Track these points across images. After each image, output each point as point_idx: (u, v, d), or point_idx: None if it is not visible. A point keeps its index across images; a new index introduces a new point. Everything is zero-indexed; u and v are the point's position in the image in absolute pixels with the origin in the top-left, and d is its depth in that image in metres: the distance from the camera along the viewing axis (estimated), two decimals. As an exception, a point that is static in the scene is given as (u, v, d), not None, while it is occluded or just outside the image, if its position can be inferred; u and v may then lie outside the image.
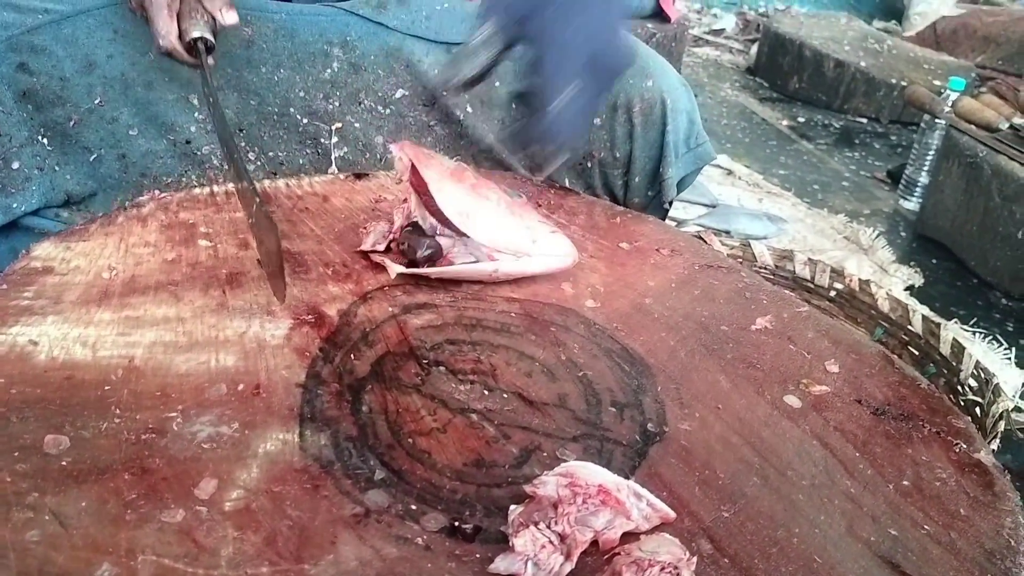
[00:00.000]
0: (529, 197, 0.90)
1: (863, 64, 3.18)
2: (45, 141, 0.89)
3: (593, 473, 0.51)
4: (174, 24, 0.83)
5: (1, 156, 0.86)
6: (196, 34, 0.83)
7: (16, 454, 0.50)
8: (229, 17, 0.85)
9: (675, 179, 1.04)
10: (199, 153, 0.95)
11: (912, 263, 2.02)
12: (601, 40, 0.70)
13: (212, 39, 0.84)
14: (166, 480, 0.50)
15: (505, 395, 0.61)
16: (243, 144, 0.97)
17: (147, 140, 0.94)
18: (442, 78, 0.78)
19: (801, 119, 3.08)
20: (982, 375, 1.15)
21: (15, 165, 0.87)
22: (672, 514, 0.51)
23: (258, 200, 0.70)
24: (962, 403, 1.13)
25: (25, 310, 0.62)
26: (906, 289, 1.89)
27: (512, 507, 0.50)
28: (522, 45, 0.71)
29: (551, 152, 0.72)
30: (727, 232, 1.99)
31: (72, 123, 0.89)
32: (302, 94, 0.98)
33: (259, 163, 0.99)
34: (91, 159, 0.92)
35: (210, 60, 0.84)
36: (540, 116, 0.68)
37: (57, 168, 0.91)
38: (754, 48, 3.76)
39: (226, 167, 0.83)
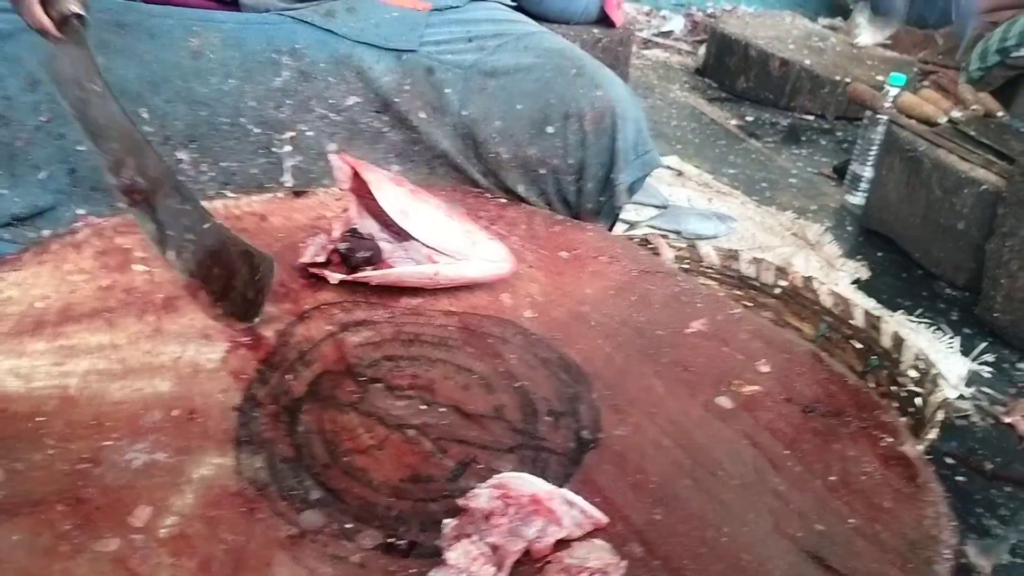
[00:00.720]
0: (469, 208, 0.90)
1: (807, 62, 3.23)
2: None
3: (526, 483, 0.52)
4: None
5: None
6: (73, 8, 0.71)
7: (-54, 490, 0.50)
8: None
9: (625, 184, 1.06)
10: None
11: (859, 257, 2.05)
12: None
13: (85, 14, 0.73)
14: (100, 509, 0.50)
15: (442, 409, 0.61)
16: (195, 156, 0.97)
17: (96, 155, 0.93)
18: None
19: (749, 118, 3.12)
20: (923, 365, 1.18)
21: None
22: (604, 519, 0.52)
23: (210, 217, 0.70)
24: (904, 394, 1.16)
25: (-44, 344, 0.62)
26: (853, 283, 1.93)
27: (446, 521, 0.50)
28: None
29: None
30: (678, 233, 2.01)
31: (20, 142, 0.89)
32: (253, 103, 0.98)
33: (212, 174, 0.98)
34: (40, 176, 0.91)
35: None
36: None
37: (4, 192, 0.90)
38: (702, 49, 3.80)
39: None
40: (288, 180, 1.01)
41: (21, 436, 0.54)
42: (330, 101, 1.01)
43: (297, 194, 0.92)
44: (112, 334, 0.65)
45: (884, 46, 3.64)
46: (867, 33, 3.59)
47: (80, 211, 0.93)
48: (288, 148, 1.01)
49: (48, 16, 0.72)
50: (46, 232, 0.92)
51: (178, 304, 0.70)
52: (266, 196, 0.91)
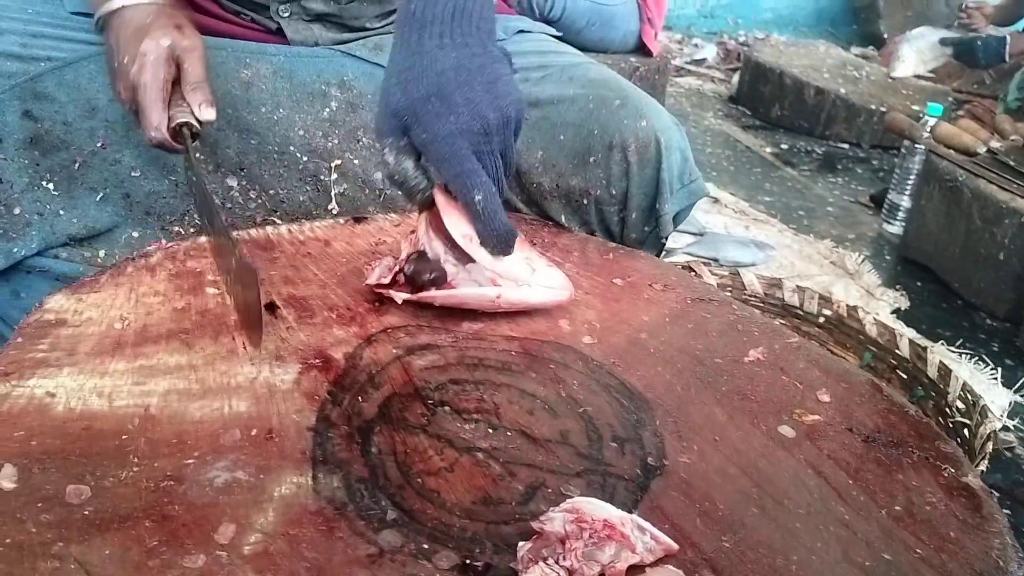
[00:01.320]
0: (524, 235, 0.92)
1: (843, 91, 3.24)
2: (51, 186, 0.91)
3: (598, 508, 0.53)
4: (166, 114, 0.85)
5: (3, 202, 0.88)
6: (182, 119, 0.84)
7: (40, 505, 0.51)
8: (206, 113, 0.86)
9: (671, 214, 1.07)
10: None
11: (898, 286, 2.05)
12: (489, 107, 0.72)
13: (198, 125, 0.85)
14: (186, 526, 0.51)
15: (509, 433, 0.63)
16: (244, 183, 1.00)
17: (149, 181, 0.96)
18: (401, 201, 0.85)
19: (784, 146, 3.13)
20: (969, 397, 1.18)
21: (16, 210, 0.89)
22: (675, 546, 0.53)
23: (236, 250, 0.71)
24: (950, 425, 1.16)
25: (41, 362, 0.64)
26: (892, 312, 1.92)
27: (520, 544, 0.51)
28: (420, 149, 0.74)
29: (501, 232, 0.74)
30: (715, 260, 2.02)
31: (77, 165, 0.92)
32: (301, 132, 1.01)
33: (260, 201, 1.01)
34: (97, 199, 0.94)
35: (195, 144, 0.86)
36: (471, 213, 0.73)
37: (62, 212, 0.93)
38: (736, 77, 3.82)
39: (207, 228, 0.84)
40: (334, 207, 1.03)
41: (107, 453, 0.56)
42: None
43: (357, 220, 0.95)
44: (189, 355, 0.67)
45: (921, 77, 3.63)
46: (905, 65, 3.59)
47: (134, 233, 0.96)
48: (335, 176, 1.03)
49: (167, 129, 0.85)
50: (101, 253, 0.95)
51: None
52: (328, 222, 0.93)
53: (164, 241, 0.84)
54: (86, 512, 0.51)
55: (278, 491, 0.55)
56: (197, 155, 0.86)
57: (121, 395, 0.62)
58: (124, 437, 0.58)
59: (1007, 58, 3.13)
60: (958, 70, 3.54)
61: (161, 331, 0.70)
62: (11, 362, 0.64)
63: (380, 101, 0.75)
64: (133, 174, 0.95)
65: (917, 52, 3.64)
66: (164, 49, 0.85)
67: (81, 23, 0.94)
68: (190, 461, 0.56)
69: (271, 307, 0.74)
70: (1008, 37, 3.19)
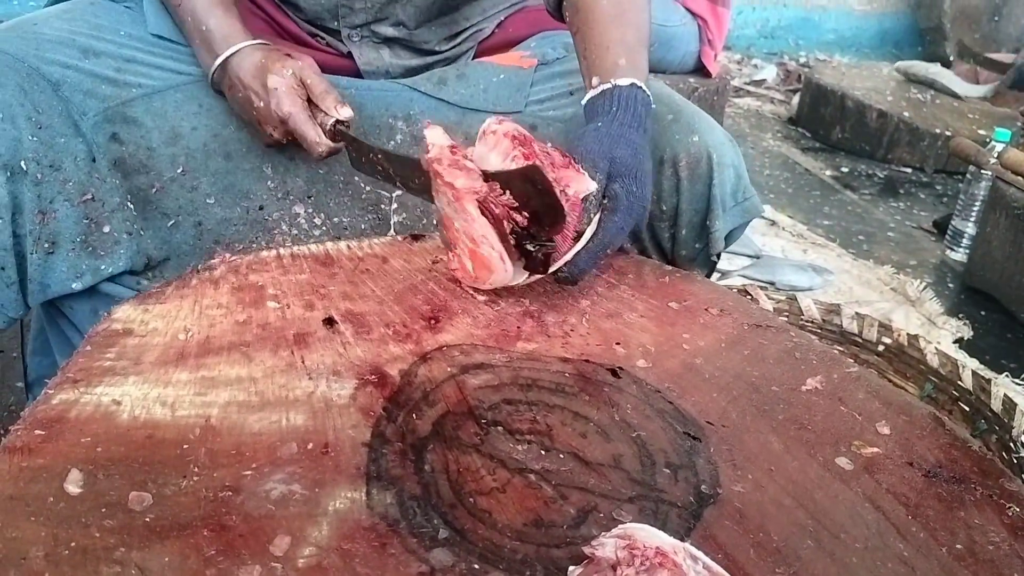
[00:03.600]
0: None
1: (906, 114, 3.18)
2: (132, 207, 0.94)
3: (650, 535, 0.52)
4: (319, 128, 0.93)
5: (94, 220, 0.91)
6: (333, 119, 0.93)
7: (103, 510, 0.53)
8: (344, 112, 0.94)
9: (723, 232, 1.06)
10: (270, 219, 1.00)
11: (960, 315, 2.00)
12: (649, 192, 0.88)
13: (345, 116, 0.94)
14: (243, 537, 0.52)
15: (561, 455, 0.63)
16: (311, 210, 1.02)
17: (223, 208, 0.99)
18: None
19: (844, 169, 3.09)
20: (1035, 432, 1.14)
21: (106, 229, 0.92)
22: (728, 576, 0.52)
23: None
24: (1015, 461, 1.13)
25: (108, 371, 0.66)
26: (955, 342, 1.88)
27: (571, 568, 0.51)
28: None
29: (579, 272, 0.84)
30: (771, 283, 1.99)
31: (155, 190, 0.95)
32: None
33: (324, 227, 1.03)
34: (168, 224, 0.97)
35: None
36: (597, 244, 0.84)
37: (143, 233, 0.96)
38: (795, 98, 3.78)
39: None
40: (393, 235, 1.05)
41: (168, 462, 0.58)
42: None
43: (415, 237, 0.96)
44: (249, 367, 0.69)
45: (984, 99, 3.55)
46: (962, 87, 3.52)
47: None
48: (395, 206, 1.05)
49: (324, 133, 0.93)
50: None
51: (309, 340, 0.73)
52: (386, 239, 0.95)
53: (228, 255, 0.86)
54: (147, 519, 0.53)
55: (332, 505, 0.55)
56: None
57: (183, 405, 0.63)
58: (185, 447, 0.59)
59: None
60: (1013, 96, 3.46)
61: (223, 343, 0.72)
62: (80, 370, 0.66)
63: (583, 142, 0.88)
64: (208, 200, 0.98)
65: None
66: (289, 78, 0.92)
67: (168, 49, 0.98)
68: (248, 472, 0.57)
69: (330, 321, 0.75)
70: None
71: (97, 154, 0.90)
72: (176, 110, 0.95)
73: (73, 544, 0.50)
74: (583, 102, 0.94)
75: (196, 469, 0.57)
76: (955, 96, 3.50)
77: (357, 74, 1.11)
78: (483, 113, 1.05)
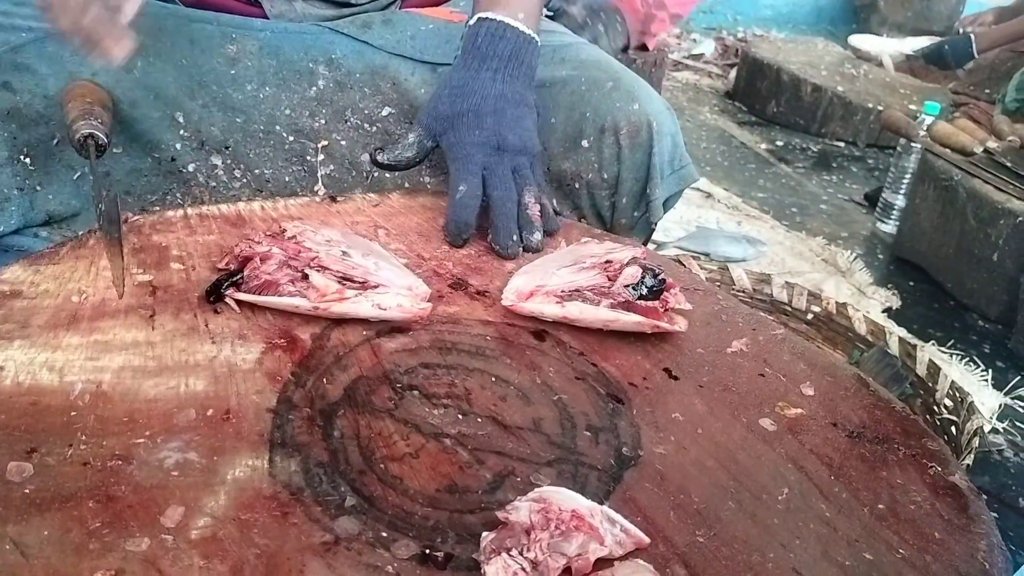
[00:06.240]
0: None
1: (840, 89, 3.22)
2: (28, 161, 0.88)
3: (566, 498, 0.50)
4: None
5: None
6: (86, 131, 0.78)
7: (-23, 482, 0.49)
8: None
9: (661, 200, 1.04)
10: (184, 171, 0.95)
11: (890, 285, 2.03)
12: (508, 132, 0.88)
13: (104, 138, 0.79)
14: (131, 508, 0.49)
15: (479, 419, 0.60)
16: (229, 161, 0.97)
17: (131, 158, 0.93)
18: (376, 159, 0.92)
19: (779, 143, 3.11)
20: (957, 395, 1.16)
21: None
22: (646, 539, 0.50)
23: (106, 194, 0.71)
24: (938, 423, 1.14)
25: (-9, 334, 0.62)
26: (884, 311, 1.90)
27: (484, 534, 0.49)
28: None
29: (461, 222, 0.85)
30: (706, 254, 2.00)
31: (56, 141, 0.89)
32: (288, 112, 0.98)
33: (245, 180, 0.98)
34: (75, 177, 0.91)
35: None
36: (449, 200, 0.86)
37: (39, 188, 0.90)
38: (733, 73, 3.80)
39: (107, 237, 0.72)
40: (320, 189, 1.00)
41: (53, 430, 0.54)
42: (365, 112, 1.01)
43: (333, 199, 0.92)
44: (147, 331, 0.64)
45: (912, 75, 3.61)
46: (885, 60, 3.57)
47: None
48: (321, 157, 1.00)
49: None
50: (80, 233, 0.92)
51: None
52: (302, 200, 0.91)
53: (130, 215, 0.81)
54: (27, 490, 0.49)
55: (231, 474, 0.52)
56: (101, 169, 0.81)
57: (73, 370, 0.59)
58: (73, 414, 0.55)
59: (976, 54, 3.11)
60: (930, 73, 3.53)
61: (120, 306, 0.67)
62: (-41, 334, 0.61)
63: (430, 102, 0.91)
64: (115, 151, 0.92)
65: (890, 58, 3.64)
66: None
67: None
68: (140, 440, 0.54)
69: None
70: (973, 35, 3.17)
71: None
72: (72, 54, 0.88)
73: (-60, 518, 0.46)
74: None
75: (84, 437, 0.53)
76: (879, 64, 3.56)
77: None
78: (411, 61, 1.01)
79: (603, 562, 0.49)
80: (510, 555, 0.47)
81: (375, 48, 1.01)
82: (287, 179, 1.00)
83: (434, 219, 0.89)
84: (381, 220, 0.88)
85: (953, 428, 1.13)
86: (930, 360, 1.25)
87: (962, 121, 2.26)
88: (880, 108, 3.06)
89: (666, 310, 0.73)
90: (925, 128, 2.25)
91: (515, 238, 0.84)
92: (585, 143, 1.01)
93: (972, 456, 1.03)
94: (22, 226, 0.88)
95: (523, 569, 0.46)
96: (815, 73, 3.34)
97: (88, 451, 0.52)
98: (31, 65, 0.87)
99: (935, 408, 1.16)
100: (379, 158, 0.91)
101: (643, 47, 2.48)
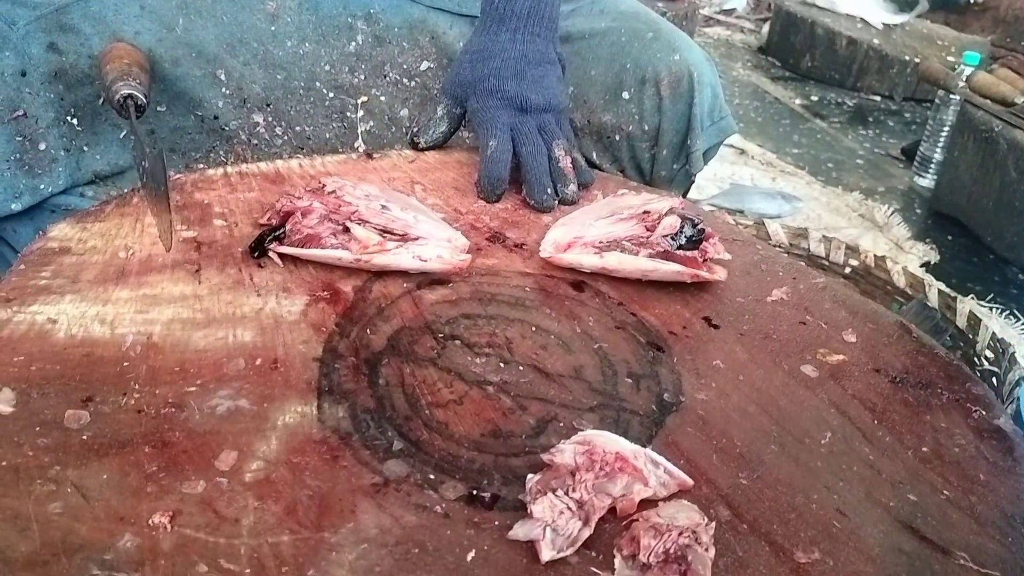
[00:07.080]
0: None
1: (876, 42, 3.15)
2: (75, 121, 0.89)
3: (610, 441, 0.51)
4: None
5: (28, 137, 0.86)
6: (126, 92, 0.79)
7: (38, 429, 0.50)
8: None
9: (701, 151, 1.04)
10: (227, 129, 0.96)
11: (928, 240, 2.00)
12: (532, 92, 0.87)
13: (143, 98, 0.80)
14: (186, 453, 0.50)
15: (521, 367, 0.61)
16: (271, 119, 0.98)
17: (175, 116, 0.94)
18: (416, 144, 0.94)
19: (814, 98, 3.06)
20: (998, 346, 1.14)
21: (42, 146, 0.87)
22: (689, 481, 0.51)
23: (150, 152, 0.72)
24: (978, 374, 1.13)
25: (43, 289, 0.63)
26: (922, 266, 1.88)
27: (530, 476, 0.50)
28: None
29: (495, 177, 0.85)
30: (740, 211, 1.98)
31: (101, 101, 0.90)
32: (328, 68, 0.99)
33: (286, 137, 0.99)
34: (120, 136, 0.92)
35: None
36: (481, 158, 0.86)
37: (86, 148, 0.91)
38: (766, 27, 3.73)
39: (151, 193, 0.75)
40: (360, 145, 1.01)
41: (108, 380, 0.55)
42: (404, 66, 1.01)
43: (369, 156, 0.92)
44: (194, 285, 0.66)
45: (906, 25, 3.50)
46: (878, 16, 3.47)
47: None
48: (361, 113, 1.01)
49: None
50: (126, 191, 0.93)
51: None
52: (340, 157, 0.91)
53: (173, 172, 0.82)
54: (84, 437, 0.50)
55: (282, 420, 0.53)
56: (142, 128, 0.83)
57: (123, 323, 0.60)
58: (125, 364, 0.56)
59: None
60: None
61: (167, 261, 0.68)
62: (13, 288, 0.63)
63: (452, 69, 0.91)
64: (159, 109, 0.93)
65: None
66: None
67: None
68: (192, 389, 0.55)
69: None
70: None
71: (28, 67, 0.85)
72: (116, 14, 0.89)
73: (4, 463, 0.47)
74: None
75: (137, 386, 0.55)
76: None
77: None
78: (449, 15, 1.01)
79: (647, 503, 0.49)
80: (556, 495, 0.48)
81: (412, 2, 1.01)
82: (327, 136, 1.01)
83: (470, 174, 0.89)
84: (417, 176, 0.88)
85: (994, 379, 1.12)
86: (970, 312, 1.23)
87: (1002, 71, 2.21)
88: (917, 60, 2.99)
89: (705, 260, 0.72)
90: (964, 79, 2.20)
91: (549, 191, 0.84)
92: (626, 95, 1.00)
93: (1013, 406, 1.02)
94: (69, 186, 0.90)
95: (568, 508, 0.47)
96: (850, 26, 3.27)
97: (142, 399, 0.53)
98: (76, 25, 0.87)
99: (975, 360, 1.15)
100: (419, 143, 0.92)
101: None
